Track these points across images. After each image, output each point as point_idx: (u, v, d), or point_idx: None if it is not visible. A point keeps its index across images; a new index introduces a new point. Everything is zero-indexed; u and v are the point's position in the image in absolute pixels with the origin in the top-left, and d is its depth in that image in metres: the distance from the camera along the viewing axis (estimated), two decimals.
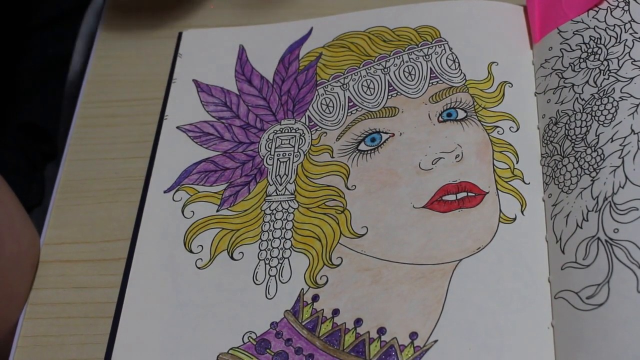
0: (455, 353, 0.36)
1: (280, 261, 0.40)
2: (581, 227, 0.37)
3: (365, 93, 0.45)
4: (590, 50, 0.42)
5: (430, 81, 0.44)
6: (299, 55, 0.48)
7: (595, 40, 0.42)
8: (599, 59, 0.42)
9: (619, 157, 0.38)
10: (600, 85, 0.41)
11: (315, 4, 0.50)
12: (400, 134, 0.43)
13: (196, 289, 0.40)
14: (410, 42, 0.46)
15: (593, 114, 0.40)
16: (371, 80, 0.45)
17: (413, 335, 0.37)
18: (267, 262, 0.40)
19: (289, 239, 0.41)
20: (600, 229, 0.36)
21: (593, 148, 0.39)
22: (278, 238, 0.41)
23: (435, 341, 0.36)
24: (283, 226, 0.41)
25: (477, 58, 0.45)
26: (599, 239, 0.36)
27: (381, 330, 0.37)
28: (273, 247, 0.41)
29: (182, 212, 0.43)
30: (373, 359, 0.36)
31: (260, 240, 0.41)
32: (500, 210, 0.39)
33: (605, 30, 0.42)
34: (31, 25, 0.58)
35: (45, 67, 0.58)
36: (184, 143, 0.45)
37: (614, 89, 0.40)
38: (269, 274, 0.40)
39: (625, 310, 0.34)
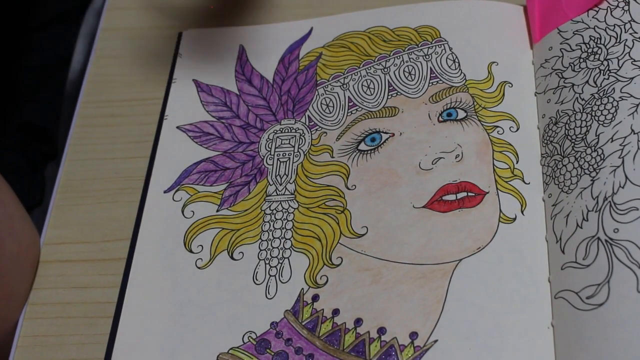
0: (455, 353, 0.36)
1: (280, 261, 0.40)
2: (581, 227, 0.37)
3: (365, 93, 0.45)
4: (590, 50, 0.42)
5: (430, 81, 0.44)
6: (299, 55, 0.48)
7: (595, 40, 0.42)
8: (599, 59, 0.42)
9: (619, 157, 0.38)
10: (600, 85, 0.41)
11: (315, 3, 0.50)
12: (400, 133, 0.43)
13: (196, 289, 0.40)
14: (410, 42, 0.46)
15: (593, 114, 0.40)
16: (371, 80, 0.45)
17: (413, 335, 0.37)
18: (267, 262, 0.40)
19: (289, 239, 0.41)
20: (600, 228, 0.36)
21: (593, 148, 0.39)
22: (278, 238, 0.41)
23: (435, 341, 0.36)
24: (283, 226, 0.41)
25: (477, 58, 0.45)
26: (599, 238, 0.36)
27: (381, 330, 0.37)
28: (273, 247, 0.41)
29: (182, 212, 0.43)
30: (373, 359, 0.36)
31: (260, 240, 0.41)
32: (500, 210, 0.39)
33: (605, 30, 0.42)
34: (31, 25, 0.58)
35: (46, 67, 0.58)
36: (184, 143, 0.45)
37: (614, 88, 0.40)
38: (269, 273, 0.40)
39: (625, 310, 0.34)
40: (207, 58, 0.49)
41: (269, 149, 0.44)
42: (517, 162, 0.41)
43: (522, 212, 0.39)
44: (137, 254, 0.41)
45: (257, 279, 0.40)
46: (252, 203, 0.42)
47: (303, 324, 0.38)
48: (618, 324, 0.34)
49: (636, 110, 0.39)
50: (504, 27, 0.47)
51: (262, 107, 0.46)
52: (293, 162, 0.43)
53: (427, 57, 0.45)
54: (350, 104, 0.45)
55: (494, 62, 0.45)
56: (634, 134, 0.38)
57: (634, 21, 0.42)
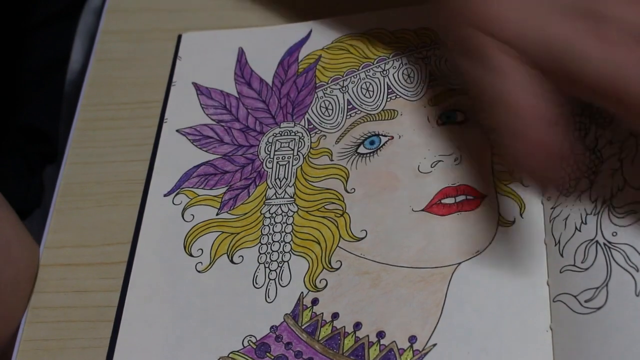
0: (454, 357, 0.36)
1: (280, 265, 0.40)
2: (580, 230, 0.37)
3: (364, 96, 0.45)
4: None
5: (430, 84, 0.44)
6: (298, 58, 0.48)
7: None
8: None
9: (618, 160, 0.38)
10: None
11: (314, 5, 0.50)
12: (400, 136, 0.43)
13: (196, 293, 0.40)
14: (409, 45, 0.46)
15: (592, 116, 0.40)
16: (370, 83, 0.45)
17: (412, 339, 0.37)
18: (266, 265, 0.40)
19: (289, 243, 0.41)
20: (599, 232, 0.37)
21: (592, 150, 0.39)
22: (278, 241, 0.41)
23: (434, 345, 0.36)
24: (282, 230, 0.41)
25: None
26: (597, 242, 0.36)
27: (380, 334, 0.37)
28: (273, 251, 0.41)
29: (182, 215, 0.43)
30: None
31: (260, 244, 0.41)
32: (499, 214, 0.40)
33: None
34: (28, 25, 0.58)
35: (44, 68, 0.57)
36: (183, 146, 0.45)
37: None
38: (268, 277, 0.40)
39: (623, 314, 0.34)
40: (207, 61, 0.49)
41: (269, 152, 0.44)
42: None
43: (521, 215, 0.40)
44: (137, 257, 0.42)
45: (256, 283, 0.40)
46: (252, 206, 0.42)
47: (303, 327, 0.38)
48: (616, 327, 0.34)
49: None
50: None
51: (261, 110, 0.46)
52: (292, 166, 0.44)
53: (426, 59, 0.46)
54: (349, 107, 0.45)
55: None
56: (633, 136, 0.38)
57: None
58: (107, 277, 0.42)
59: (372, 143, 0.43)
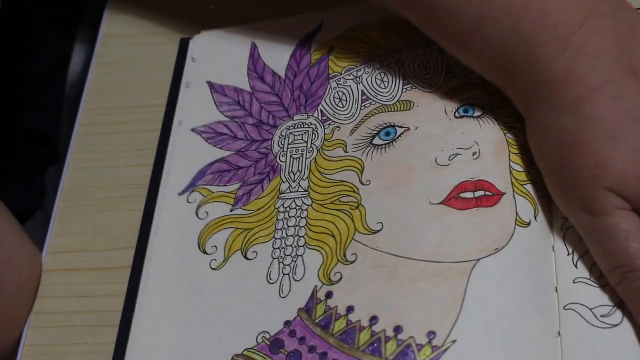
0: (474, 354, 0.35)
1: (294, 259, 0.40)
2: None
3: (379, 86, 0.44)
4: None
5: (446, 76, 0.44)
6: (311, 49, 0.47)
7: None
8: None
9: None
10: None
11: None
12: (416, 128, 0.42)
13: (210, 291, 0.39)
14: (425, 35, 0.45)
15: None
16: (385, 74, 0.44)
17: (431, 335, 0.36)
18: (280, 260, 0.40)
19: (303, 237, 0.40)
20: None
21: None
22: (292, 236, 0.40)
23: (454, 341, 0.36)
24: (297, 224, 0.41)
25: None
26: None
27: (398, 329, 0.37)
28: (287, 246, 0.40)
29: (197, 213, 0.42)
30: (390, 358, 0.36)
31: (274, 239, 0.40)
32: (517, 213, 0.39)
33: None
34: (29, 29, 0.57)
35: (46, 71, 0.57)
36: (198, 145, 0.45)
37: None
38: (282, 272, 0.39)
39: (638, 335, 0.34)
40: (220, 59, 0.48)
41: (282, 146, 0.44)
42: (531, 166, 0.40)
43: (535, 217, 0.39)
44: (149, 258, 0.41)
45: (270, 278, 0.39)
46: (266, 201, 0.42)
47: (316, 321, 0.38)
48: (632, 346, 0.34)
49: None
50: None
51: (274, 104, 0.45)
52: (306, 159, 0.43)
53: (443, 51, 0.44)
54: (364, 98, 0.44)
55: None
56: None
57: None
58: (110, 282, 0.42)
59: (387, 134, 0.42)
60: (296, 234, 0.40)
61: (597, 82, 0.36)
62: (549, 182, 0.38)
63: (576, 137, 0.36)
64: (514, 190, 0.39)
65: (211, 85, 0.47)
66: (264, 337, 0.38)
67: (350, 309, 0.38)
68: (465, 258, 0.38)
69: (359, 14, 0.48)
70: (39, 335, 0.41)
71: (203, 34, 0.49)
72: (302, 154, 0.43)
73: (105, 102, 0.48)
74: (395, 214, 0.40)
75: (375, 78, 0.44)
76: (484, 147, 0.40)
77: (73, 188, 0.45)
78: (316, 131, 0.44)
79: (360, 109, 0.44)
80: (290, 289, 0.39)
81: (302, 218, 0.41)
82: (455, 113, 0.42)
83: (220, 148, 0.44)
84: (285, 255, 0.40)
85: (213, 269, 0.40)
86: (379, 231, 0.39)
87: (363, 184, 0.41)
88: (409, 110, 0.43)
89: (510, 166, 0.40)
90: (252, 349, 0.37)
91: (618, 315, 0.35)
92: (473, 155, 0.40)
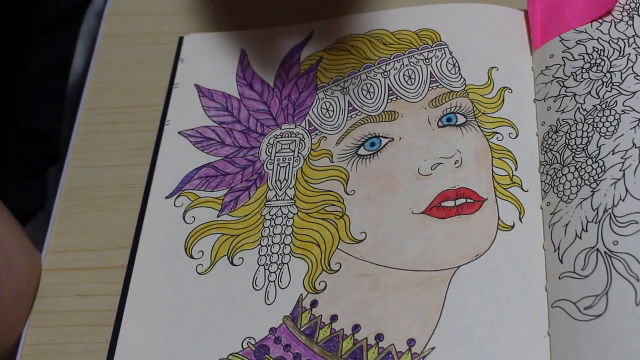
0: None
1: (280, 267, 0.40)
2: (580, 238, 0.37)
3: (365, 97, 0.45)
4: (593, 61, 0.42)
5: (430, 85, 0.44)
6: (300, 59, 0.48)
7: (599, 52, 0.42)
8: (601, 71, 0.41)
9: (620, 170, 0.38)
10: (603, 97, 0.40)
11: (316, 7, 0.50)
12: (400, 138, 0.43)
13: (196, 295, 0.40)
14: (410, 46, 0.46)
15: (595, 125, 0.40)
16: (371, 84, 0.45)
17: (411, 342, 0.37)
18: (266, 267, 0.40)
19: (289, 244, 0.41)
20: (600, 240, 0.37)
21: (594, 159, 0.39)
22: (277, 243, 0.41)
23: (433, 348, 0.36)
24: (282, 231, 0.41)
25: (477, 63, 0.45)
26: (598, 250, 0.36)
27: (379, 337, 0.37)
28: (272, 253, 0.41)
29: (184, 217, 0.43)
30: None
31: (259, 246, 0.41)
32: (499, 218, 0.39)
33: (608, 42, 0.42)
34: (31, 29, 0.58)
35: (47, 71, 0.58)
36: (185, 148, 0.45)
37: (616, 101, 0.40)
38: (268, 279, 0.40)
39: (623, 322, 0.34)
40: (209, 63, 0.49)
41: (269, 154, 0.44)
42: (515, 169, 0.41)
43: (520, 219, 0.40)
44: (138, 260, 0.42)
45: (256, 285, 0.40)
46: (252, 208, 0.43)
47: (302, 329, 0.38)
48: (616, 335, 0.34)
49: (638, 125, 0.39)
50: (504, 31, 0.46)
51: (262, 112, 0.46)
52: (293, 167, 0.44)
53: (427, 60, 0.45)
54: (350, 108, 0.45)
55: (494, 67, 0.45)
56: (635, 147, 0.38)
57: (637, 36, 0.42)
58: (109, 281, 0.42)
59: (372, 145, 0.43)
60: (282, 241, 0.41)
61: None
62: None
63: None
64: (496, 195, 0.40)
65: (199, 88, 0.48)
66: (249, 342, 0.38)
67: (334, 318, 0.38)
68: (446, 266, 0.38)
69: (348, 25, 0.48)
70: (38, 334, 0.41)
71: (192, 35, 0.50)
72: (289, 163, 0.44)
73: (105, 101, 0.49)
74: (378, 223, 0.41)
75: (361, 89, 0.45)
76: (465, 154, 0.41)
77: (72, 187, 0.46)
78: (303, 140, 0.45)
79: (347, 120, 0.44)
80: (275, 296, 0.40)
81: (287, 226, 0.42)
82: (438, 122, 0.43)
83: (208, 153, 0.45)
84: (271, 263, 0.41)
85: (199, 273, 0.41)
86: (362, 240, 0.40)
87: (348, 194, 0.42)
88: (394, 120, 0.44)
89: (492, 171, 0.41)
90: (237, 353, 0.38)
91: (601, 304, 0.35)
92: (455, 163, 0.41)
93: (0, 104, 0.56)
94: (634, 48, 0.42)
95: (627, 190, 0.37)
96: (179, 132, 0.46)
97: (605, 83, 0.41)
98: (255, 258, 0.41)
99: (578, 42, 0.43)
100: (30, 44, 0.57)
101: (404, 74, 0.45)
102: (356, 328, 0.38)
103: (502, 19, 0.47)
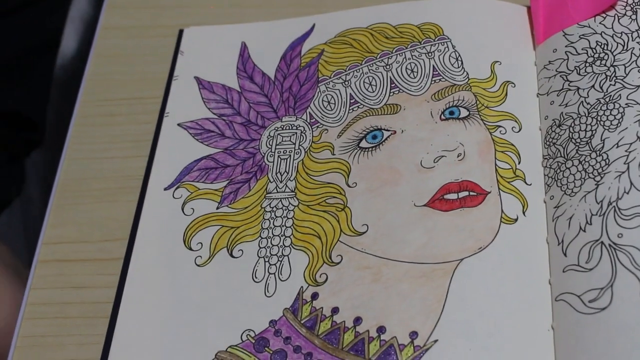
0: (455, 353, 0.36)
1: (280, 259, 0.40)
2: (584, 231, 0.37)
3: (367, 90, 0.45)
4: (596, 55, 0.42)
5: (433, 79, 0.44)
6: (301, 52, 0.47)
7: (602, 46, 0.42)
8: (605, 65, 0.41)
9: (624, 163, 0.38)
10: (607, 91, 0.40)
11: (317, 1, 0.50)
12: (402, 131, 0.43)
13: (195, 287, 0.40)
14: (412, 39, 0.46)
15: (598, 119, 0.40)
16: (373, 77, 0.45)
17: (413, 335, 0.36)
18: (266, 259, 0.40)
19: (289, 237, 0.40)
20: (604, 233, 0.36)
21: (598, 152, 0.39)
22: (278, 235, 0.41)
23: (436, 341, 0.36)
24: (283, 224, 0.41)
25: (480, 57, 0.45)
26: (602, 243, 0.36)
27: (381, 329, 0.37)
28: (273, 245, 0.40)
29: (182, 209, 0.42)
30: (372, 358, 0.36)
31: (260, 238, 0.41)
32: (502, 211, 0.39)
33: (612, 36, 0.42)
34: (13, 3, 0.56)
35: (31, 50, 0.56)
36: (184, 140, 0.45)
37: (620, 95, 0.40)
38: (268, 271, 0.40)
39: (628, 316, 0.34)
40: (209, 55, 0.49)
41: (270, 146, 0.44)
42: (519, 163, 0.41)
43: (523, 213, 0.39)
44: (135, 251, 0.41)
45: (256, 277, 0.40)
46: (252, 200, 0.42)
47: (302, 322, 0.38)
48: (621, 328, 0.34)
49: None
50: (506, 26, 0.46)
51: (263, 104, 0.46)
52: (294, 160, 0.43)
53: (430, 54, 0.45)
54: (351, 101, 0.44)
55: (497, 62, 0.45)
56: None
57: None
58: (105, 273, 0.42)
59: (374, 137, 0.43)
60: (282, 233, 0.41)
61: None
62: None
63: None
64: (499, 188, 0.40)
65: (199, 80, 0.47)
66: (248, 334, 0.38)
67: (335, 310, 0.38)
68: (449, 259, 0.38)
69: (350, 18, 0.48)
70: (32, 326, 0.40)
71: (192, 28, 0.50)
72: (290, 155, 0.44)
73: (103, 93, 0.49)
74: (380, 216, 0.40)
75: (363, 82, 0.45)
76: (468, 147, 0.41)
77: (69, 179, 0.45)
78: (304, 133, 0.44)
79: (348, 112, 0.44)
80: (275, 288, 0.39)
81: (288, 218, 0.41)
82: (440, 115, 0.43)
83: (207, 145, 0.45)
84: (271, 255, 0.40)
85: (198, 265, 0.40)
86: (364, 233, 0.40)
87: (349, 186, 0.42)
88: (396, 113, 0.43)
89: (496, 164, 0.41)
90: (236, 346, 0.38)
91: (606, 297, 0.35)
92: (458, 156, 0.41)
93: None
94: (637, 42, 0.42)
95: (631, 183, 0.37)
96: (179, 124, 0.46)
97: (609, 77, 0.41)
98: (255, 250, 0.40)
99: (581, 36, 0.43)
100: (12, 17, 0.55)
101: (406, 67, 0.45)
102: (358, 320, 0.37)
103: (505, 14, 0.47)
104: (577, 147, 0.40)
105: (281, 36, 0.48)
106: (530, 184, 0.40)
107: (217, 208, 0.42)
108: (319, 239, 0.40)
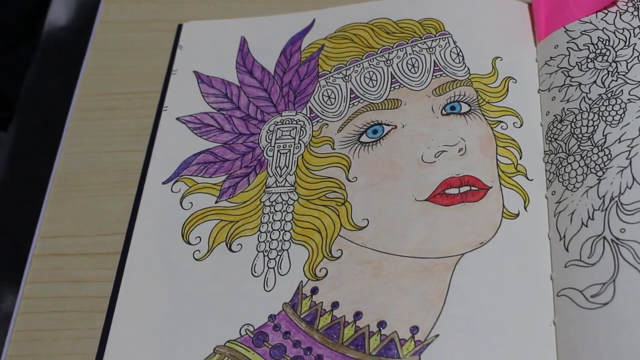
0: (456, 348, 0.35)
1: (279, 253, 0.40)
2: (586, 226, 0.37)
3: (367, 85, 0.44)
4: (598, 51, 0.42)
5: (434, 74, 0.44)
6: (301, 47, 0.47)
7: (604, 42, 0.42)
8: (607, 61, 0.41)
9: (627, 158, 0.37)
10: (609, 86, 0.40)
11: None
12: (403, 126, 0.42)
13: (193, 281, 0.39)
14: (413, 35, 0.46)
15: (600, 114, 0.40)
16: (373, 72, 0.45)
17: (414, 330, 0.36)
18: (265, 254, 0.40)
19: (289, 231, 0.40)
20: (607, 228, 0.36)
21: (600, 147, 0.39)
22: (277, 230, 0.40)
23: (437, 336, 0.36)
24: (282, 218, 0.41)
25: (481, 52, 0.45)
26: (604, 238, 0.36)
27: (381, 324, 0.36)
28: (272, 239, 0.40)
29: (181, 203, 0.42)
30: (373, 353, 0.36)
31: (259, 232, 0.40)
32: (504, 206, 0.39)
33: (614, 32, 0.42)
34: None
35: (12, 26, 0.54)
36: (183, 134, 0.45)
37: (622, 90, 0.40)
38: (267, 266, 0.39)
39: (630, 311, 0.34)
40: (208, 50, 0.48)
41: (269, 141, 0.44)
42: (520, 158, 0.41)
43: (525, 208, 0.39)
44: (133, 245, 0.41)
45: (255, 271, 0.39)
46: (252, 195, 0.42)
47: (302, 316, 0.37)
48: (623, 323, 0.33)
49: None
50: (508, 22, 0.46)
51: (263, 99, 0.46)
52: (293, 154, 0.43)
53: (431, 49, 0.45)
54: (352, 96, 0.44)
55: (498, 57, 0.44)
56: None
57: None
58: (102, 267, 0.41)
59: (375, 132, 0.42)
60: (282, 228, 0.40)
61: None
62: None
63: None
64: (500, 183, 0.40)
65: (197, 74, 0.47)
66: (247, 329, 0.37)
67: (335, 305, 0.38)
68: (450, 253, 0.38)
69: (350, 13, 0.48)
70: (28, 321, 0.40)
71: (192, 22, 0.49)
72: (290, 150, 0.43)
73: (101, 87, 0.48)
74: (380, 210, 0.40)
75: (364, 77, 0.45)
76: (470, 142, 0.41)
77: (66, 173, 0.45)
78: (304, 127, 0.44)
79: (348, 107, 0.44)
80: (275, 282, 0.39)
81: (288, 212, 0.41)
82: (442, 110, 0.42)
83: (206, 139, 0.44)
84: (271, 249, 0.40)
85: (196, 259, 0.40)
86: (364, 227, 0.40)
87: (349, 181, 0.41)
88: (397, 108, 0.43)
89: (497, 159, 0.40)
90: (235, 340, 0.37)
91: (608, 292, 0.35)
92: (459, 151, 0.41)
93: None
94: (639, 38, 0.41)
95: (633, 178, 0.37)
96: (177, 118, 0.45)
97: (610, 72, 0.41)
98: (255, 244, 0.40)
99: (583, 32, 0.43)
100: None
101: (407, 63, 0.45)
102: (358, 315, 0.37)
103: (506, 10, 0.47)
104: (578, 143, 0.40)
105: (281, 31, 0.48)
106: (532, 180, 0.40)
107: (216, 202, 0.42)
108: (318, 233, 0.40)
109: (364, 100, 0.44)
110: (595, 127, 0.39)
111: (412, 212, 0.39)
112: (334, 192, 0.41)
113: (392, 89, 0.44)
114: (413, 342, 0.36)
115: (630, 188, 0.37)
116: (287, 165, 0.43)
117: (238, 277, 0.39)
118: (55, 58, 0.49)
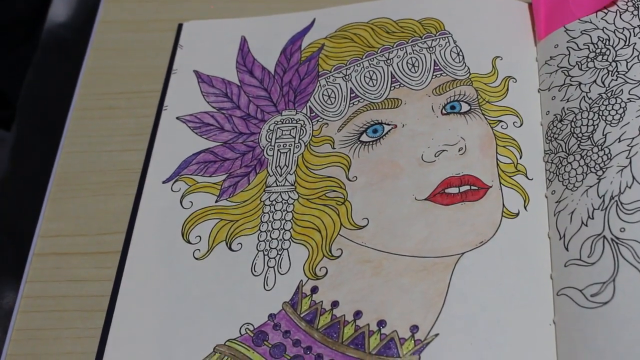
0: (456, 347, 0.35)
1: (279, 252, 0.40)
2: (586, 225, 0.37)
3: (367, 84, 0.44)
4: (598, 51, 0.42)
5: (434, 73, 0.44)
6: (301, 47, 0.47)
7: (604, 41, 0.42)
8: (607, 60, 0.41)
9: (627, 158, 0.37)
10: (609, 86, 0.40)
11: None
12: (403, 125, 0.42)
13: (193, 280, 0.39)
14: (413, 34, 0.46)
15: (600, 114, 0.40)
16: (374, 72, 0.45)
17: (414, 329, 0.36)
18: (265, 253, 0.40)
19: (289, 230, 0.40)
20: (606, 227, 0.36)
21: (600, 147, 0.39)
22: (277, 229, 0.40)
23: (437, 335, 0.36)
24: (282, 217, 0.41)
25: (481, 52, 0.45)
26: (604, 237, 0.36)
27: (381, 323, 0.36)
28: (272, 238, 0.40)
29: (181, 202, 0.42)
30: (372, 352, 0.36)
31: (259, 231, 0.40)
32: (504, 205, 0.39)
33: (614, 32, 0.42)
34: None
35: (13, 24, 0.54)
36: (183, 133, 0.45)
37: (622, 90, 0.40)
38: (267, 265, 0.39)
39: (630, 310, 0.34)
40: (208, 49, 0.48)
41: (270, 140, 0.44)
42: (520, 158, 0.41)
43: (525, 207, 0.39)
44: (133, 245, 0.41)
45: (255, 270, 0.39)
46: (252, 194, 0.42)
47: (301, 316, 0.37)
48: (623, 322, 0.34)
49: None
50: (508, 22, 0.46)
51: (263, 98, 0.46)
52: (293, 153, 0.43)
53: (431, 49, 0.45)
54: (352, 95, 0.44)
55: (498, 57, 0.45)
56: None
57: None
58: (102, 266, 0.41)
59: (375, 131, 0.42)
60: (282, 227, 0.40)
61: None
62: None
63: None
64: (500, 183, 0.40)
65: (198, 74, 0.47)
66: (247, 328, 0.37)
67: (335, 304, 0.38)
68: (450, 252, 0.38)
69: (350, 13, 0.48)
70: (28, 320, 0.40)
71: (192, 22, 0.50)
72: (290, 149, 0.43)
73: (101, 87, 0.48)
74: (380, 209, 0.40)
75: (364, 76, 0.45)
76: (470, 142, 0.41)
77: (66, 172, 0.45)
78: (304, 127, 0.44)
79: (348, 106, 0.44)
80: (275, 281, 0.39)
81: (288, 212, 0.41)
82: (442, 110, 0.43)
83: (207, 138, 0.44)
84: (271, 248, 0.40)
85: (197, 258, 0.40)
86: (364, 226, 0.40)
87: (349, 180, 0.41)
88: (397, 107, 0.43)
89: (497, 159, 0.40)
90: (234, 339, 0.37)
91: (608, 291, 0.35)
92: (459, 150, 0.41)
93: None
94: (639, 37, 0.41)
95: (633, 178, 0.37)
96: (177, 118, 0.45)
97: (610, 72, 0.41)
98: (255, 243, 0.40)
99: (583, 32, 0.43)
100: None
101: (407, 62, 0.45)
102: (358, 314, 0.37)
103: (506, 9, 0.47)
104: (578, 142, 0.40)
105: (281, 31, 0.48)
106: (532, 179, 0.40)
107: (216, 201, 0.42)
108: (318, 232, 0.40)
109: (364, 99, 0.44)
110: (595, 126, 0.39)
111: (412, 212, 0.39)
112: (334, 191, 0.41)
113: (392, 88, 0.44)
114: (413, 341, 0.36)
115: (630, 187, 0.37)
116: (287, 164, 0.43)
117: (238, 276, 0.39)
118: (55, 57, 0.50)
